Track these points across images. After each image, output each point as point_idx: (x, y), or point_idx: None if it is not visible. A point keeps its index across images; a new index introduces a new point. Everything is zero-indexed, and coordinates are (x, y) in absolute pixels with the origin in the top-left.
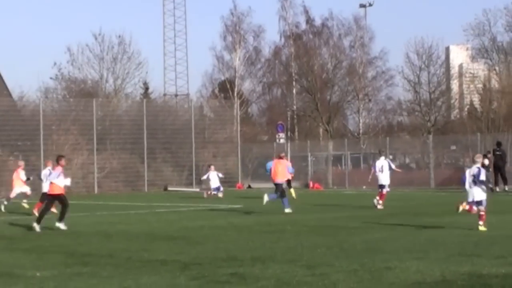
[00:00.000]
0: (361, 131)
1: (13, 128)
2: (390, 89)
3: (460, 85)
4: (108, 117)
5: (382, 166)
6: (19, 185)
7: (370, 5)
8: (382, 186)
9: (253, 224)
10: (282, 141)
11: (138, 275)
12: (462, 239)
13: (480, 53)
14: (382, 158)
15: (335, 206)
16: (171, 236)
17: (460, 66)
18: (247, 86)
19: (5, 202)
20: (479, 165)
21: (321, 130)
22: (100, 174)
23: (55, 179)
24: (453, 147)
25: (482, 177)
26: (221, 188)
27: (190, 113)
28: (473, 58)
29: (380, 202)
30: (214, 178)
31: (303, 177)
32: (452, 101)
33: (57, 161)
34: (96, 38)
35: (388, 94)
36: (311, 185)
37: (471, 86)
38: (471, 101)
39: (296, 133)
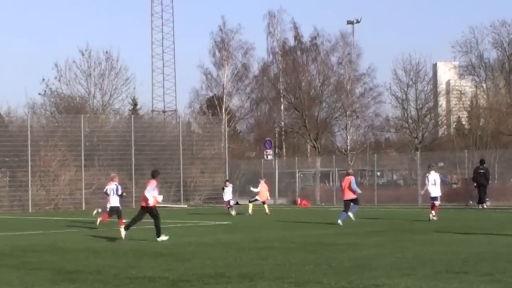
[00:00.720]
0: (348, 147)
1: (0, 143)
2: (378, 105)
3: (448, 102)
4: (96, 133)
5: (434, 180)
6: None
7: (358, 21)
8: (434, 199)
9: (241, 240)
10: (270, 157)
11: None
12: (449, 256)
13: (467, 70)
14: (433, 171)
15: (322, 223)
16: (159, 252)
17: (448, 83)
18: (235, 102)
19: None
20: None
21: (308, 146)
22: (88, 191)
23: (151, 192)
24: (441, 164)
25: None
26: (232, 202)
27: (178, 129)
28: (460, 75)
29: (434, 213)
30: (228, 192)
31: (290, 194)
32: (440, 118)
33: (153, 176)
34: (83, 54)
35: (376, 110)
36: (298, 201)
37: (459, 103)
38: (459, 118)
39: (284, 150)
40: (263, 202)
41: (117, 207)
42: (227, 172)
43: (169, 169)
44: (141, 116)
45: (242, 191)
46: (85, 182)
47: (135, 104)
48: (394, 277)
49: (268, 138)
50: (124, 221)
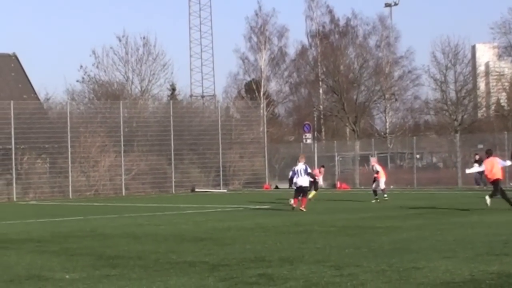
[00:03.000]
0: (387, 130)
1: (40, 130)
2: (417, 88)
3: (487, 84)
4: (135, 118)
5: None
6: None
7: (396, 4)
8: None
9: (281, 224)
10: (309, 141)
11: (167, 277)
12: (490, 238)
13: (506, 51)
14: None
15: (362, 207)
16: (199, 237)
17: (487, 65)
18: (273, 86)
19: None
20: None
21: (347, 130)
22: (128, 176)
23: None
24: (480, 146)
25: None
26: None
27: (216, 114)
28: (499, 57)
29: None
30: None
31: (330, 177)
32: (479, 100)
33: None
34: (120, 40)
35: (414, 93)
36: (338, 185)
37: (498, 84)
38: (498, 100)
39: (323, 133)
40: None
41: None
42: (266, 157)
43: (208, 154)
44: (180, 101)
45: (281, 175)
46: (124, 167)
47: (173, 89)
48: (434, 260)
49: (307, 122)
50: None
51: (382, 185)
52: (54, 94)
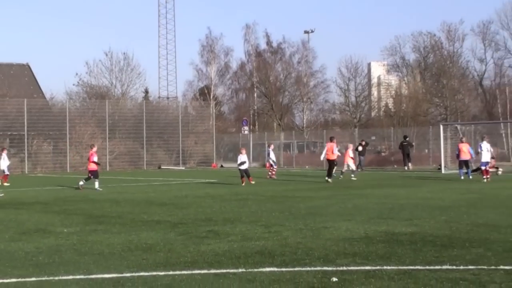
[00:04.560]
0: (304, 125)
1: (46, 121)
2: (327, 94)
3: (379, 92)
4: (117, 113)
5: (487, 148)
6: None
7: (312, 31)
8: (486, 164)
9: (225, 194)
10: (246, 132)
11: (140, 231)
12: (379, 206)
13: (393, 68)
14: (485, 141)
15: (285, 181)
16: (164, 202)
17: (379, 78)
18: (220, 91)
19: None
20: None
21: (275, 124)
22: (111, 156)
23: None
24: (373, 138)
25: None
26: (275, 166)
27: (177, 111)
28: (388, 72)
29: (487, 177)
30: (272, 155)
31: (261, 159)
32: (373, 104)
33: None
34: (106, 55)
35: (325, 98)
36: (267, 165)
37: (387, 92)
38: (387, 104)
39: (257, 127)
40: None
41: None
42: (214, 143)
43: (171, 141)
44: (150, 101)
45: (225, 157)
46: (108, 150)
47: (146, 92)
48: (338, 221)
49: (244, 118)
50: None
51: (351, 166)
52: (57, 94)
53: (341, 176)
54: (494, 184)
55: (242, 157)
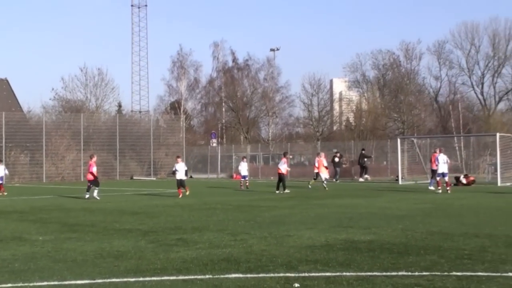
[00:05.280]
0: (270, 138)
1: (24, 133)
2: (291, 109)
3: (340, 107)
4: (91, 126)
5: (444, 159)
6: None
7: (278, 49)
8: (444, 175)
9: (193, 203)
10: (214, 145)
11: (112, 239)
12: (340, 215)
13: (354, 84)
14: (442, 153)
15: (251, 191)
16: (135, 212)
17: (340, 93)
18: (190, 105)
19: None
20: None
21: (242, 137)
22: (85, 167)
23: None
24: (335, 150)
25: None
26: (247, 178)
27: (149, 125)
28: (349, 88)
29: (448, 188)
30: (244, 168)
31: (228, 170)
32: (334, 118)
33: (284, 155)
34: (81, 70)
35: (289, 112)
36: (234, 176)
37: (348, 107)
38: (348, 118)
39: (225, 139)
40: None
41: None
42: (184, 155)
43: (143, 153)
44: (124, 115)
45: (194, 168)
46: (83, 161)
47: (119, 106)
48: (301, 230)
49: (213, 131)
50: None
51: (323, 177)
52: (34, 108)
53: (325, 185)
54: (447, 195)
55: (176, 166)
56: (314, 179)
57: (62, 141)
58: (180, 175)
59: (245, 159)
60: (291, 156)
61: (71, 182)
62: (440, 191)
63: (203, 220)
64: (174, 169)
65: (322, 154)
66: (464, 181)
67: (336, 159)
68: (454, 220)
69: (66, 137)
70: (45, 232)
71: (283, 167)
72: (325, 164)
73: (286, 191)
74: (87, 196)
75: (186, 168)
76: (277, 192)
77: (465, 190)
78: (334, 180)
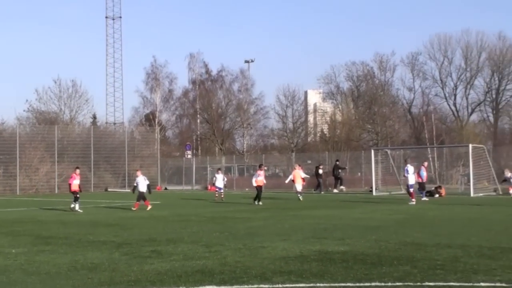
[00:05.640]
0: (245, 149)
1: None
2: (266, 120)
3: (314, 118)
4: (66, 138)
5: (411, 170)
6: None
7: (252, 61)
8: (411, 186)
9: (168, 215)
10: (189, 156)
11: (86, 252)
12: (314, 226)
13: (328, 96)
14: (409, 164)
15: (226, 203)
16: (109, 223)
17: (315, 105)
18: (164, 117)
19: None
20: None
21: (217, 148)
22: (60, 179)
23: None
24: (309, 161)
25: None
26: (222, 190)
27: (124, 136)
28: (323, 99)
29: (413, 199)
30: (219, 179)
31: (203, 182)
32: (309, 129)
33: (259, 167)
34: (55, 82)
35: (264, 123)
36: (209, 187)
37: (322, 119)
38: (322, 129)
39: (199, 151)
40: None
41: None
42: (158, 167)
43: (117, 164)
44: (98, 126)
45: (169, 180)
46: (57, 173)
47: (94, 118)
48: (275, 241)
49: (188, 143)
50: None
51: (297, 188)
52: (8, 120)
53: (299, 197)
54: (420, 206)
55: (137, 179)
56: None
57: (36, 153)
58: (141, 187)
59: (220, 171)
60: (265, 168)
61: (45, 194)
62: (414, 202)
63: (177, 231)
64: (135, 183)
65: (297, 166)
66: (437, 193)
67: (320, 171)
68: (427, 231)
69: (40, 149)
70: (18, 245)
71: (259, 179)
72: (303, 175)
73: (260, 203)
74: (76, 206)
75: (147, 182)
76: (255, 203)
77: (438, 201)
78: (320, 192)
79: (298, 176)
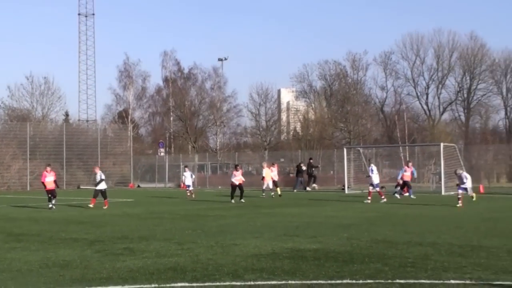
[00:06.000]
0: (218, 147)
1: None
2: (239, 118)
3: (288, 116)
4: (38, 135)
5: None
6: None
7: (225, 59)
8: (377, 185)
9: (141, 213)
10: (162, 154)
11: (58, 249)
12: (286, 224)
13: (301, 94)
14: (373, 164)
15: (199, 200)
16: (82, 221)
17: (288, 103)
18: (137, 114)
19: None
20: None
21: (190, 146)
22: (32, 176)
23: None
24: (282, 160)
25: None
26: (191, 187)
27: (97, 134)
28: (296, 98)
29: (383, 197)
30: (188, 177)
31: (176, 180)
32: (282, 127)
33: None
34: (28, 79)
35: (237, 122)
36: (182, 185)
37: (295, 117)
38: (295, 128)
39: (172, 149)
40: (274, 185)
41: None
42: (131, 164)
43: (90, 162)
44: (71, 123)
45: (142, 177)
46: (29, 170)
47: (66, 115)
48: (247, 239)
49: (161, 140)
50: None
51: (265, 186)
52: None
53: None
54: (392, 203)
55: (99, 174)
56: (276, 186)
57: (8, 150)
58: (102, 185)
59: (187, 169)
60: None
61: (17, 192)
62: (384, 200)
63: (150, 229)
64: (100, 178)
65: (265, 164)
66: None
67: (303, 167)
68: (398, 229)
69: (12, 146)
70: None
71: (235, 179)
72: (274, 174)
73: (232, 201)
74: (53, 201)
75: (103, 178)
76: (242, 200)
77: (409, 199)
78: (305, 188)
79: (268, 175)
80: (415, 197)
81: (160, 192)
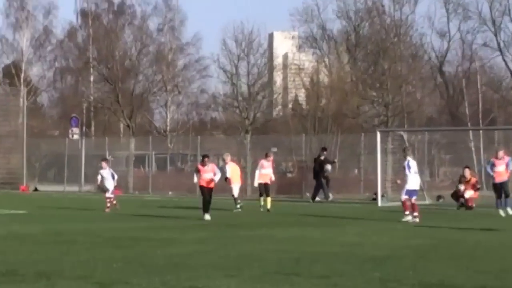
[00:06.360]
0: (168, 128)
1: None
2: (204, 80)
3: (284, 78)
4: None
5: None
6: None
7: None
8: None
9: (39, 233)
10: (76, 137)
11: None
12: (280, 255)
13: (307, 42)
14: (410, 158)
15: (134, 215)
16: None
17: (285, 56)
18: (36, 71)
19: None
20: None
21: (122, 125)
22: None
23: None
24: (274, 149)
25: None
26: (112, 194)
27: None
28: (299, 48)
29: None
30: (108, 177)
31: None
32: (275, 96)
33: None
34: None
35: (201, 86)
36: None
37: (297, 79)
38: (296, 97)
39: (93, 128)
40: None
41: None
42: (24, 153)
43: None
44: None
45: (42, 175)
46: None
47: None
48: (216, 278)
49: (74, 115)
50: None
51: (234, 191)
52: None
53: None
54: (454, 224)
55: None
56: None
57: None
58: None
59: (104, 163)
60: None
61: None
62: (409, 218)
63: (54, 260)
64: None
65: (228, 157)
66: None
67: (329, 167)
68: (464, 266)
69: None
70: None
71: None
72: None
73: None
74: None
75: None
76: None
77: (477, 215)
78: (326, 198)
79: (236, 173)
80: (505, 214)
81: (72, 199)
